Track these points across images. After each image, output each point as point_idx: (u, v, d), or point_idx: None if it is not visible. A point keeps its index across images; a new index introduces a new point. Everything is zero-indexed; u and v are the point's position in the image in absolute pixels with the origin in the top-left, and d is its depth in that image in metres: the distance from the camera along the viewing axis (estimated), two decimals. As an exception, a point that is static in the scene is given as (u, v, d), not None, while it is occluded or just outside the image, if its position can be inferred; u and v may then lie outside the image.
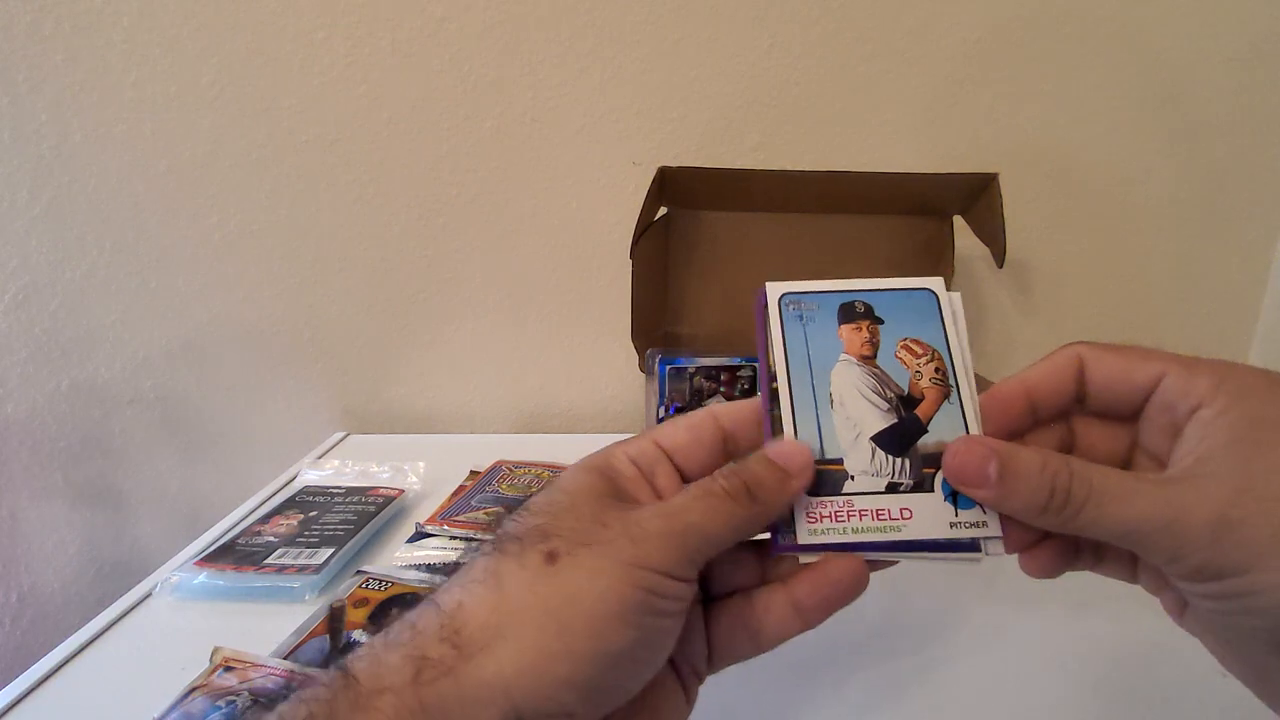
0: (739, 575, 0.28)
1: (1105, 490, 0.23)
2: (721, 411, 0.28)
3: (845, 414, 0.27)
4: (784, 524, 0.26)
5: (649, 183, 0.62)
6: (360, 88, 0.74)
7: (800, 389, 0.27)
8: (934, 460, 0.26)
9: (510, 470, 0.65)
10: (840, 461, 0.27)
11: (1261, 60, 0.71)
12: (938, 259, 0.69)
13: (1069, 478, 0.23)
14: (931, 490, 0.26)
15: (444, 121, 0.75)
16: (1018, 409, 0.26)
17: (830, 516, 0.26)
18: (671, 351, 0.62)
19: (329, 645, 0.43)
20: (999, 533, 0.26)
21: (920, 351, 0.28)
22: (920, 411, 0.27)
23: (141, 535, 0.87)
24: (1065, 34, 0.72)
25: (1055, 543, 0.26)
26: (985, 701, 0.40)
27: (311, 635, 0.43)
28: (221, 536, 0.56)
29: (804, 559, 0.26)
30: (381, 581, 0.48)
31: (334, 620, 0.45)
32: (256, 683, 0.39)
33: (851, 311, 0.28)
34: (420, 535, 0.55)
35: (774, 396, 0.27)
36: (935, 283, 0.29)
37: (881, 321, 0.28)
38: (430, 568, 0.51)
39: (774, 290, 0.29)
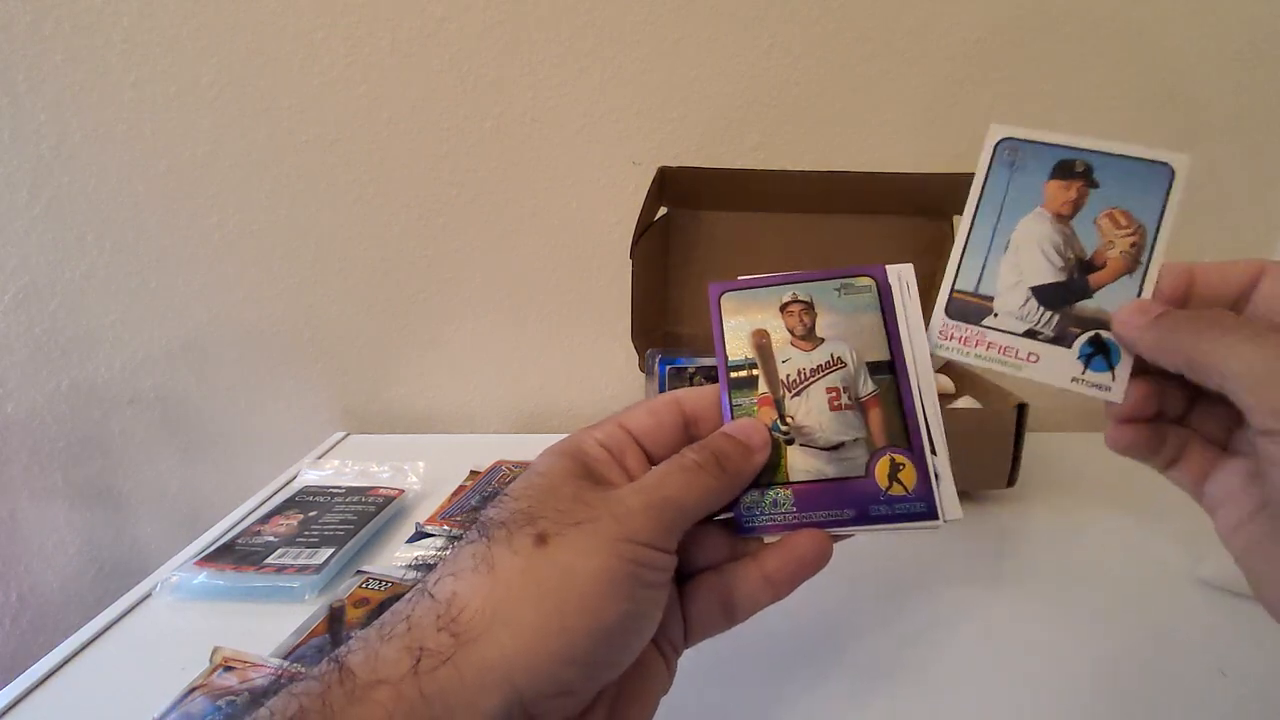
0: (710, 552, 0.29)
1: (1243, 325, 0.24)
2: (684, 396, 0.29)
3: (1015, 261, 0.28)
4: (744, 506, 0.28)
5: (649, 183, 0.62)
6: (360, 88, 0.74)
7: (980, 230, 0.28)
8: (1086, 323, 0.27)
9: (510, 470, 0.65)
10: (991, 299, 0.28)
11: (1262, 60, 0.71)
12: (937, 259, 0.69)
13: (1214, 315, 0.24)
14: (1069, 347, 0.27)
15: (444, 121, 0.75)
16: (1175, 283, 0.27)
17: (960, 340, 0.28)
18: (671, 351, 0.62)
19: (329, 645, 0.43)
20: (1120, 398, 0.27)
21: (1124, 224, 0.28)
22: (1094, 279, 0.28)
23: (141, 535, 0.87)
24: (1065, 34, 0.71)
25: (1149, 425, 0.27)
26: (978, 692, 0.40)
27: (311, 635, 0.43)
28: (221, 536, 0.56)
29: (767, 539, 0.28)
30: (381, 581, 0.48)
31: (334, 620, 0.45)
32: (256, 683, 0.39)
33: (1068, 169, 0.29)
34: (420, 535, 0.55)
35: (734, 384, 0.29)
36: (1179, 160, 0.28)
37: (1097, 185, 0.28)
38: (430, 567, 0.51)
39: (997, 131, 0.29)
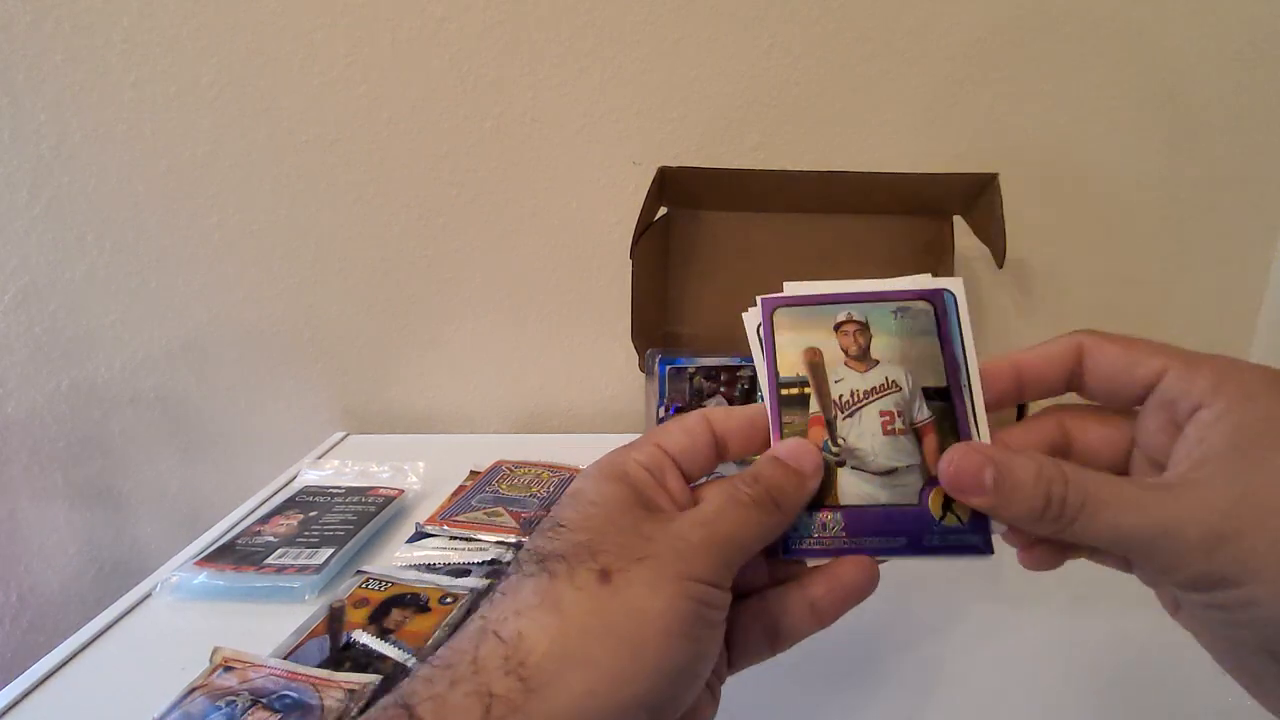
0: (751, 577, 0.28)
1: (1100, 499, 0.23)
2: (713, 416, 0.28)
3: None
4: (791, 526, 0.27)
5: (649, 183, 0.62)
6: (360, 88, 0.73)
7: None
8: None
9: (510, 470, 0.65)
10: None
11: (1262, 60, 0.71)
12: (938, 259, 0.69)
13: (1064, 486, 0.23)
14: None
15: (444, 121, 0.75)
16: (1001, 386, 0.27)
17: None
18: (671, 351, 0.62)
19: (329, 645, 0.43)
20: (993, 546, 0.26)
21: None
22: None
23: (141, 535, 0.87)
24: (1065, 34, 0.71)
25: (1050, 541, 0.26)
26: (986, 701, 0.40)
27: (311, 635, 0.44)
28: (221, 536, 0.56)
29: (812, 563, 0.27)
30: (381, 581, 0.48)
31: (334, 620, 0.45)
32: (256, 683, 0.39)
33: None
34: (420, 535, 0.55)
35: (784, 402, 0.28)
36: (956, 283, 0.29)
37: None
38: (430, 568, 0.51)
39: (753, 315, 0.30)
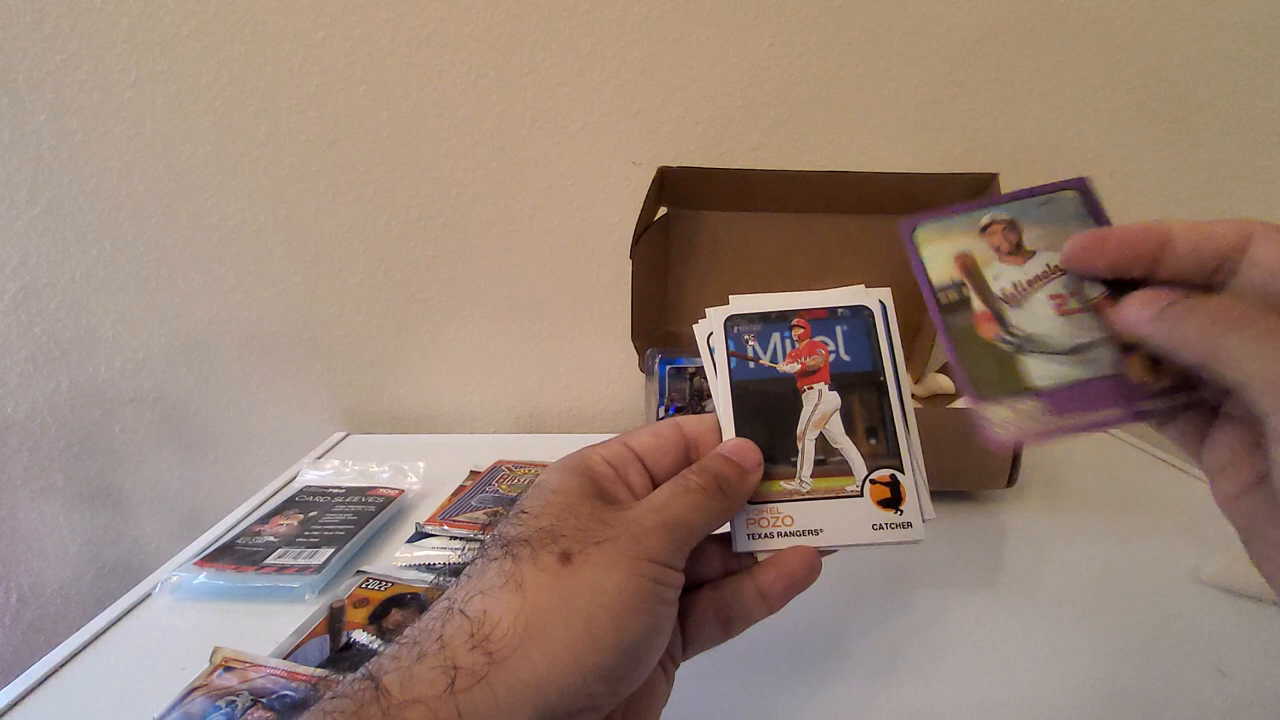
0: (706, 568, 0.30)
1: (1268, 324, 0.22)
2: (684, 421, 0.31)
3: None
4: (996, 425, 0.27)
5: (649, 183, 0.62)
6: (360, 88, 0.74)
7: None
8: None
9: (510, 470, 0.65)
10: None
11: (1262, 60, 0.71)
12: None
13: (1230, 305, 0.23)
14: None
15: (444, 121, 0.75)
16: (1146, 247, 0.25)
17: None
18: (671, 351, 0.62)
19: (329, 645, 0.43)
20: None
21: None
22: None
23: (141, 535, 0.87)
24: (1065, 34, 0.72)
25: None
26: (978, 692, 0.40)
27: (311, 635, 0.43)
28: (221, 536, 0.56)
29: (760, 557, 0.30)
30: (381, 581, 0.48)
31: (334, 620, 0.45)
32: (256, 683, 0.39)
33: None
34: (420, 535, 0.55)
35: (945, 309, 0.29)
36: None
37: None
38: (430, 568, 0.51)
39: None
